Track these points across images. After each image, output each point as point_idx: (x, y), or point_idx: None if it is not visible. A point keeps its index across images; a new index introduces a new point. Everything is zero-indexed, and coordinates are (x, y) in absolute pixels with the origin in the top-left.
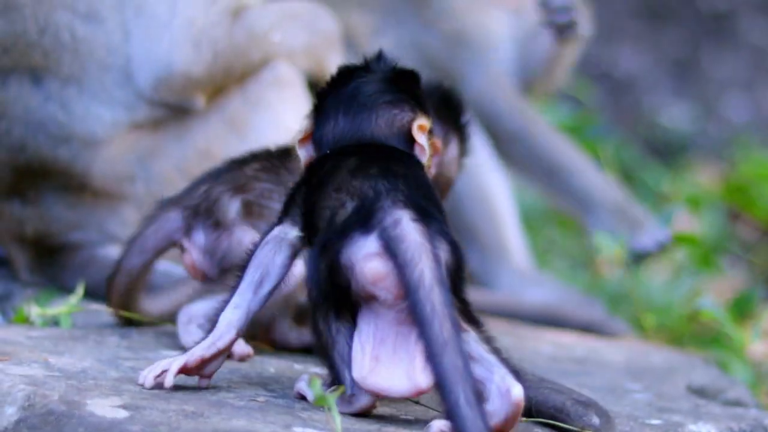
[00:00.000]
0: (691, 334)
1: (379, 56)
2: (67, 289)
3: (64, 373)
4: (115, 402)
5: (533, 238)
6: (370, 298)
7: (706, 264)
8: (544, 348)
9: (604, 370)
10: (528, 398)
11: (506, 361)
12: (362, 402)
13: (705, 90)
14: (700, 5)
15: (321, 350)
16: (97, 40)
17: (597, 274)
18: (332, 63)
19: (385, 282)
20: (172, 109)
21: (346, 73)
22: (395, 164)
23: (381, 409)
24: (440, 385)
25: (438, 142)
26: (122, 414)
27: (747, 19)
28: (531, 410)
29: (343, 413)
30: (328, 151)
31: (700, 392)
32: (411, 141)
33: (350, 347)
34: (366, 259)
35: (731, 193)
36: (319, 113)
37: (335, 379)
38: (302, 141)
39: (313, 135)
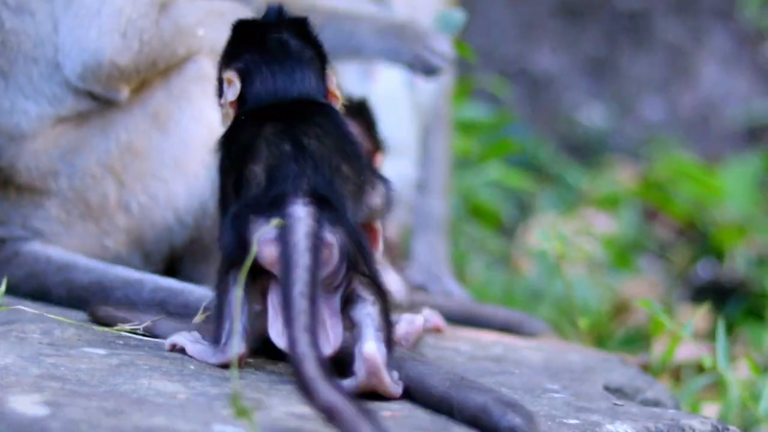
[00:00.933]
0: (612, 333)
1: (280, 9)
2: None
3: None
4: (37, 399)
5: (453, 236)
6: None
7: (623, 263)
8: (463, 347)
9: (523, 370)
10: (449, 398)
11: (387, 330)
12: (232, 356)
13: (622, 89)
14: (617, 4)
15: (216, 305)
16: (25, 32)
17: (516, 272)
18: None
19: (277, 265)
20: (97, 100)
21: (259, 30)
22: (313, 132)
23: (302, 410)
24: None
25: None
26: (43, 411)
27: (663, 18)
28: (452, 410)
29: (212, 363)
30: (251, 112)
31: (617, 392)
32: (328, 92)
33: (239, 313)
34: (264, 243)
35: (648, 192)
36: (245, 72)
37: (217, 331)
38: (232, 103)
39: (243, 95)
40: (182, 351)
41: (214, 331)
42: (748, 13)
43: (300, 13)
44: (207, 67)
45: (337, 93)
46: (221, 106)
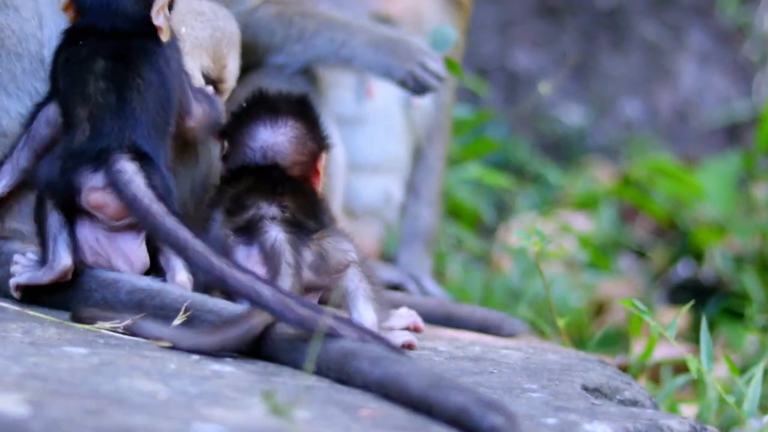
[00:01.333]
0: (591, 333)
1: None
2: None
3: None
4: (18, 398)
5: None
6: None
7: (602, 262)
8: (441, 347)
9: (501, 369)
10: (428, 397)
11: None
12: (60, 268)
13: (600, 88)
14: (596, 3)
15: (39, 231)
16: (9, 27)
17: (495, 271)
18: (231, 62)
19: (105, 209)
20: None
21: None
22: (135, 82)
23: None
24: None
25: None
26: (25, 410)
27: (642, 16)
28: (432, 410)
29: (44, 281)
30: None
31: (596, 392)
32: (151, 23)
33: (61, 231)
34: (91, 190)
35: (627, 192)
36: None
37: (43, 253)
38: (66, 9)
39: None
40: (25, 289)
41: (41, 254)
42: (726, 11)
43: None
44: (188, 64)
45: (162, 25)
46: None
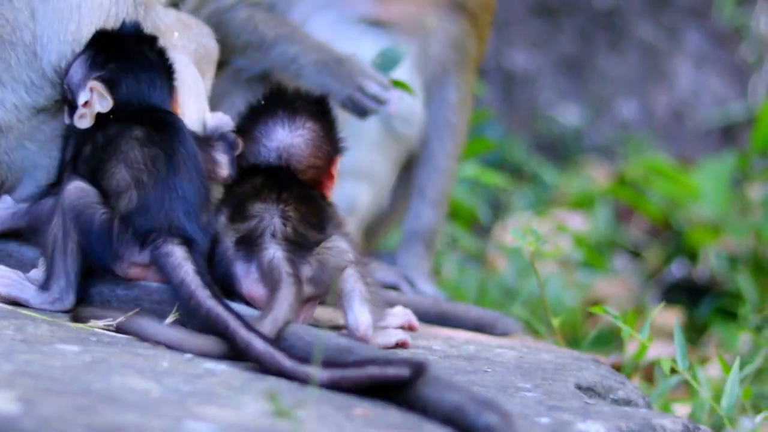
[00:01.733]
0: (585, 332)
1: (133, 26)
2: None
3: None
4: (9, 395)
5: None
6: None
7: (597, 262)
8: (436, 345)
9: (495, 368)
10: (422, 396)
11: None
12: (62, 306)
13: (597, 87)
14: (593, 3)
15: (48, 256)
16: (3, 17)
17: (490, 270)
18: (208, 81)
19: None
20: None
21: (118, 41)
22: (171, 142)
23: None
24: None
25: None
26: (16, 408)
27: (638, 17)
28: (426, 408)
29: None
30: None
31: (589, 391)
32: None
33: (74, 271)
34: (133, 264)
35: (622, 192)
36: (111, 82)
37: (47, 280)
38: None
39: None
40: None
41: (43, 279)
42: (723, 12)
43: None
44: (184, 60)
45: (178, 107)
46: (81, 112)
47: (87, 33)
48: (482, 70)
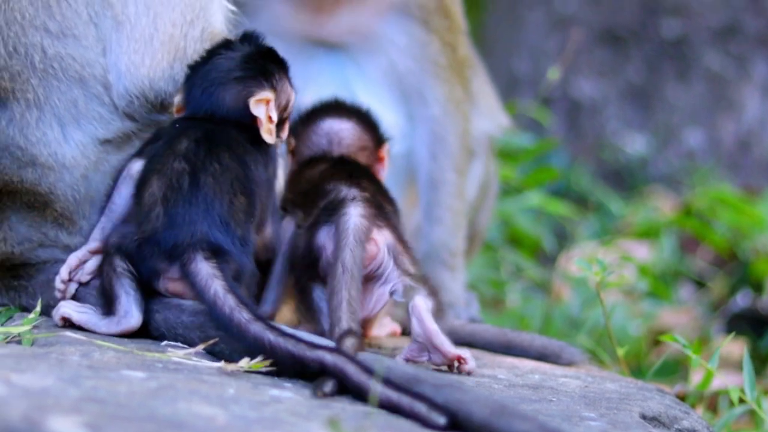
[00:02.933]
0: (650, 362)
1: (245, 36)
2: (30, 308)
3: (26, 391)
4: (77, 421)
5: (492, 262)
6: None
7: (662, 292)
8: (501, 374)
9: (560, 398)
10: (491, 425)
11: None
12: (128, 325)
13: (664, 117)
14: (661, 32)
15: (104, 287)
16: (70, 56)
17: (555, 300)
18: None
19: (184, 295)
20: (141, 123)
21: (211, 51)
22: (213, 168)
23: None
24: None
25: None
26: None
27: (706, 46)
28: None
29: (113, 331)
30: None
31: (654, 421)
32: (251, 115)
33: (133, 291)
34: (169, 280)
35: (688, 222)
36: (187, 86)
37: (109, 307)
38: (177, 112)
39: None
40: (71, 323)
41: (105, 306)
42: None
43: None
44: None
45: (262, 117)
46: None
47: (159, 68)
48: (548, 99)
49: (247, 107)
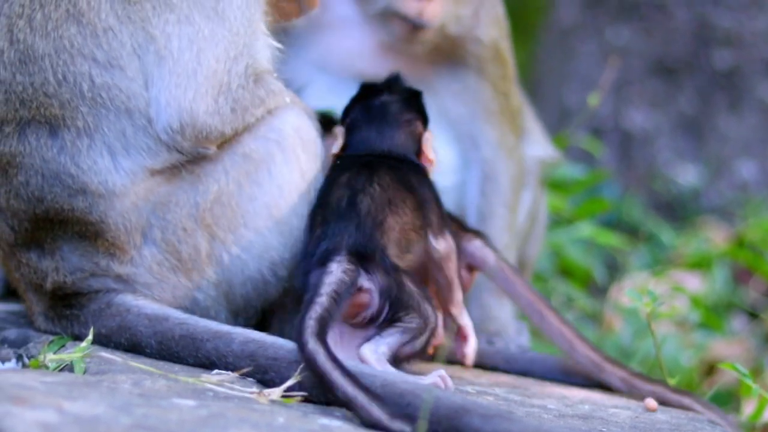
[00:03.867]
0: (702, 393)
1: (396, 78)
2: (82, 336)
3: (78, 419)
4: None
5: (544, 292)
6: None
7: (714, 323)
8: (551, 404)
9: (611, 428)
10: None
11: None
12: None
13: (716, 148)
14: (713, 62)
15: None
16: (116, 86)
17: (607, 330)
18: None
19: None
20: (186, 155)
21: (371, 92)
22: (371, 189)
23: None
24: None
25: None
26: None
27: (759, 77)
28: None
29: None
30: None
31: None
32: (420, 151)
33: None
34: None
35: (741, 253)
36: (349, 127)
37: None
38: (335, 154)
39: (346, 146)
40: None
41: None
42: None
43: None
44: (298, 114)
45: (429, 153)
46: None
47: (203, 102)
48: (600, 130)
49: (419, 144)
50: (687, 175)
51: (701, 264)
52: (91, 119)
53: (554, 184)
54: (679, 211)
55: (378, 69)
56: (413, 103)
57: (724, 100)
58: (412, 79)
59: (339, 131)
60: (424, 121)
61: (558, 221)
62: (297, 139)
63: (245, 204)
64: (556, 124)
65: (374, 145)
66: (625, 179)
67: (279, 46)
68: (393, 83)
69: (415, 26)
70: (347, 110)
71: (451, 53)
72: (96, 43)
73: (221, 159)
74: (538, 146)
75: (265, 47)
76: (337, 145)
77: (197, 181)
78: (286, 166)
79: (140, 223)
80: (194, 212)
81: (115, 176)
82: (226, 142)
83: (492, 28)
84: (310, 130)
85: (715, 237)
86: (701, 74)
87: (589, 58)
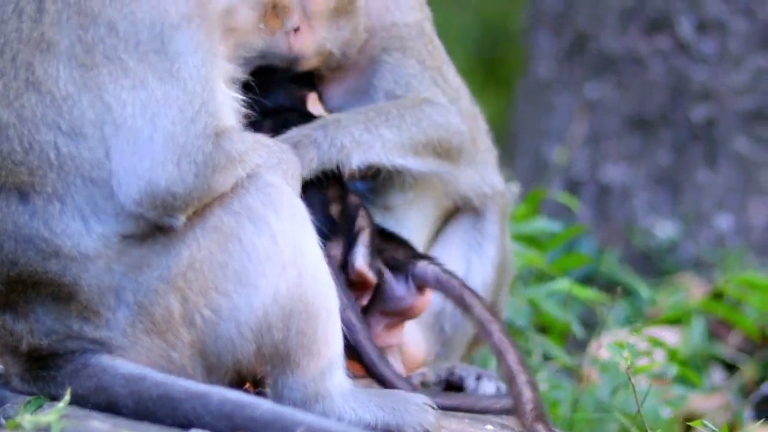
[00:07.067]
0: None
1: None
2: (59, 397)
3: None
4: None
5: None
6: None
7: (692, 377)
8: None
9: None
10: None
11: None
12: None
13: (693, 201)
14: (689, 116)
15: None
16: (81, 155)
17: (585, 384)
18: (296, 193)
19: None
20: (156, 223)
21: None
22: None
23: None
24: None
25: None
26: None
27: (735, 130)
28: None
29: None
30: None
31: None
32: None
33: None
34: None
35: (719, 307)
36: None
37: None
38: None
39: None
40: None
41: None
42: None
43: None
44: (268, 178)
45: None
46: None
47: (162, 169)
48: (576, 184)
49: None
50: (664, 229)
51: (679, 318)
52: (60, 185)
53: (531, 239)
54: (657, 264)
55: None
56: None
57: (700, 154)
58: (352, 90)
59: None
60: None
61: (536, 276)
62: (269, 209)
63: (216, 270)
64: (533, 178)
65: None
66: (602, 233)
67: (242, 97)
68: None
69: (292, 60)
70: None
71: (364, 56)
72: (58, 112)
73: (192, 228)
74: (496, 178)
75: (226, 102)
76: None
77: (169, 245)
78: (257, 236)
79: (113, 286)
80: (166, 275)
81: (87, 240)
82: (196, 213)
83: (411, 11)
84: (282, 194)
85: (692, 290)
86: (677, 128)
87: (566, 112)
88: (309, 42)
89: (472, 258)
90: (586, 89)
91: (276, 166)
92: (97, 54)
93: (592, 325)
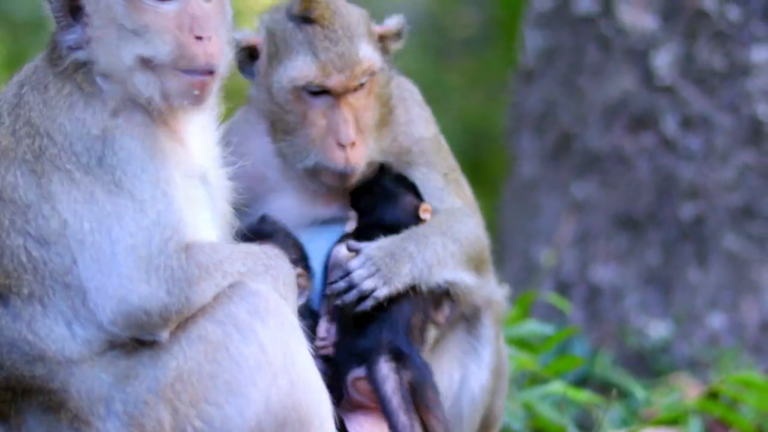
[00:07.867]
0: None
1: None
2: None
3: None
4: None
5: None
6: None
7: None
8: None
9: None
10: None
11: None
12: None
13: (685, 300)
14: (678, 214)
15: None
16: (52, 260)
17: None
18: (291, 301)
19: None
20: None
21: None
22: None
23: None
24: None
25: None
26: None
27: (725, 228)
28: None
29: None
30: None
31: None
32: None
33: None
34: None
35: (714, 406)
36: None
37: None
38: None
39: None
40: None
41: None
42: None
43: None
44: (252, 287)
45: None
46: None
47: (130, 286)
48: (566, 285)
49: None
50: (657, 329)
51: (675, 418)
52: (38, 288)
53: (523, 343)
54: (650, 365)
55: (320, 213)
56: (403, 182)
57: (690, 252)
58: None
59: (352, 215)
60: (417, 194)
61: (530, 379)
62: (255, 317)
63: (205, 380)
64: (523, 280)
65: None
66: (595, 334)
67: (203, 192)
68: (382, 172)
69: (342, 175)
70: (356, 197)
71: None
72: (24, 219)
73: (178, 339)
74: (494, 283)
75: (186, 206)
76: (351, 226)
77: (156, 357)
78: (244, 344)
79: (102, 394)
80: (155, 386)
81: (72, 344)
82: (179, 325)
83: (428, 125)
84: (269, 302)
85: (688, 391)
86: (666, 226)
87: (553, 212)
88: (363, 153)
89: (468, 363)
90: (572, 189)
91: (263, 273)
92: (45, 161)
93: (588, 427)
